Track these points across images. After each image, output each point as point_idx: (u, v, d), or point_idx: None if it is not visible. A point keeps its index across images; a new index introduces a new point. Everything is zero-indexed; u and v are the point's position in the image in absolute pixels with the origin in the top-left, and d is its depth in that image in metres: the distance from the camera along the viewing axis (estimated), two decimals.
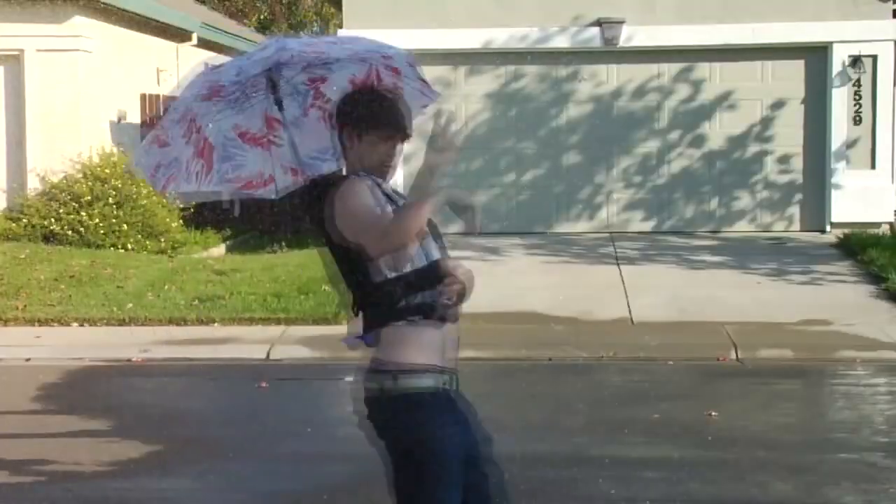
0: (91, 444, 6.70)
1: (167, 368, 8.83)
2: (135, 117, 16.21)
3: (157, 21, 16.71)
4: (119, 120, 15.66)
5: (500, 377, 8.13)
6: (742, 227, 14.65)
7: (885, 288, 10.86)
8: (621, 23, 14.28)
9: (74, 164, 14.07)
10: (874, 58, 14.17)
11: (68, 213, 13.60)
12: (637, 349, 9.05)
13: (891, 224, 14.09)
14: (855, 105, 14.21)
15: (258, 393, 7.96)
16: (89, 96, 14.68)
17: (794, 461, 6.16)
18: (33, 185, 14.24)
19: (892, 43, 14.17)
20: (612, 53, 14.62)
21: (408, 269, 3.32)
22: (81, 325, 10.11)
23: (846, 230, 13.66)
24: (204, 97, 3.58)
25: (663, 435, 6.66)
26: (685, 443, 6.52)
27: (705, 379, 8.33)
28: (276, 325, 9.94)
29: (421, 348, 3.34)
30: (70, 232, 13.52)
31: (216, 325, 10.02)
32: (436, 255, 3.36)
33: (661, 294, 10.84)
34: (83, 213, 13.54)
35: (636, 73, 14.71)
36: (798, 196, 14.65)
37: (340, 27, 15.08)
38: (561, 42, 14.46)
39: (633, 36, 14.34)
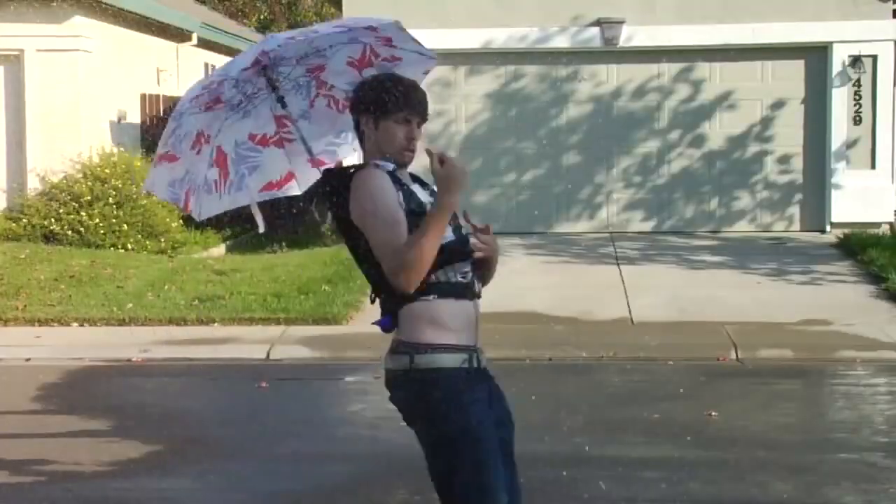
0: (91, 444, 6.70)
1: (167, 368, 8.83)
2: (135, 117, 16.22)
3: (157, 21, 16.71)
4: (119, 120, 15.66)
5: (500, 377, 8.09)
6: (742, 227, 14.65)
7: (885, 288, 10.86)
8: (621, 23, 14.28)
9: (74, 164, 14.07)
10: (874, 58, 14.18)
11: (68, 213, 13.60)
12: (637, 349, 9.05)
13: (891, 224, 14.09)
14: (855, 105, 14.21)
15: (258, 393, 7.96)
16: (89, 96, 14.68)
17: (794, 461, 6.16)
18: (33, 185, 14.24)
19: (892, 43, 14.17)
20: (612, 53, 14.62)
21: None
22: (81, 325, 10.11)
23: (846, 230, 13.66)
24: (206, 107, 3.58)
25: (663, 435, 6.66)
26: (685, 443, 6.51)
27: (705, 379, 8.33)
28: (276, 325, 9.94)
29: (437, 327, 3.33)
30: (70, 232, 13.52)
31: (216, 325, 10.02)
32: (450, 235, 3.34)
33: (661, 294, 10.84)
34: (83, 213, 13.54)
35: (636, 73, 14.71)
36: (798, 196, 14.66)
37: None
38: (561, 42, 14.46)
39: (633, 36, 14.35)
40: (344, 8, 14.62)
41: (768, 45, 14.32)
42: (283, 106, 3.62)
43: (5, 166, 14.61)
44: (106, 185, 13.73)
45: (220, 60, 20.43)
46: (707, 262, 12.59)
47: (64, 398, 8.04)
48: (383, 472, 6.01)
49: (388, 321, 3.41)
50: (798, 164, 14.63)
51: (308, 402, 7.93)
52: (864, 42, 14.10)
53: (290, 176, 3.78)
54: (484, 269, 3.46)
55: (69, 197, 13.71)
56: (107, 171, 13.88)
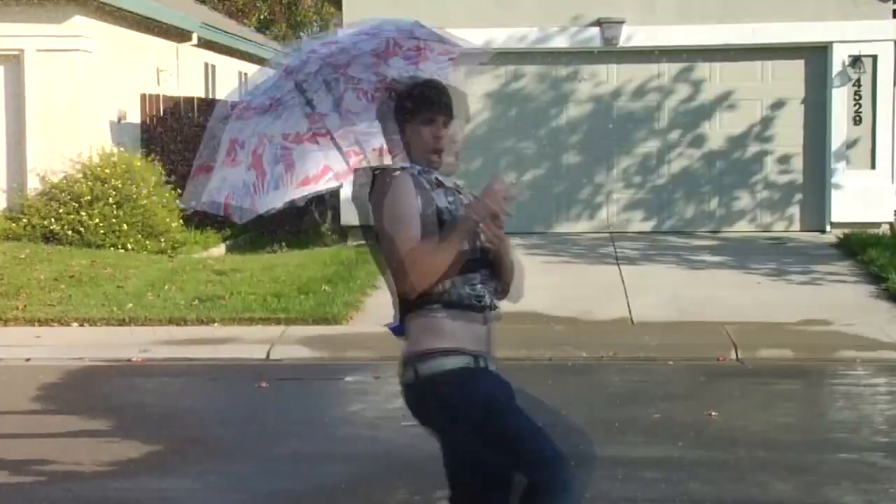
0: (91, 444, 6.69)
1: (167, 368, 8.83)
2: (135, 117, 16.22)
3: (157, 21, 16.72)
4: (119, 120, 15.66)
5: None
6: (742, 227, 14.66)
7: (885, 288, 10.86)
8: (621, 23, 14.28)
9: (74, 164, 14.07)
10: (874, 58, 14.18)
11: (68, 213, 13.60)
12: (637, 349, 9.05)
13: (891, 224, 14.10)
14: (855, 105, 14.22)
15: (258, 393, 7.96)
16: (89, 96, 14.68)
17: (794, 461, 6.16)
18: (33, 185, 14.24)
19: (892, 43, 14.17)
20: (612, 53, 14.62)
21: None
22: (81, 325, 10.11)
23: (846, 230, 13.66)
24: (237, 116, 3.60)
25: (663, 435, 6.66)
26: (685, 443, 6.51)
27: (705, 379, 8.33)
28: (276, 325, 9.93)
29: (441, 335, 3.34)
30: (70, 232, 13.53)
31: (216, 325, 10.02)
32: (464, 246, 3.34)
33: (661, 294, 10.84)
34: (83, 213, 13.54)
35: (636, 73, 14.71)
36: (798, 196, 14.66)
37: (340, 27, 15.09)
38: (561, 42, 14.46)
39: (633, 36, 14.35)
40: (344, 8, 14.63)
41: (768, 45, 14.32)
42: (313, 108, 3.65)
43: (5, 166, 14.62)
44: (106, 185, 13.73)
45: (220, 60, 20.45)
46: (707, 262, 12.60)
47: (64, 398, 8.03)
48: (383, 472, 6.01)
49: (400, 327, 3.43)
50: (798, 164, 14.63)
51: (308, 402, 7.93)
52: (864, 42, 14.10)
53: (326, 170, 3.80)
54: (498, 270, 3.45)
55: (69, 197, 13.71)
56: (107, 171, 13.88)
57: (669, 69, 14.69)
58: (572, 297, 10.65)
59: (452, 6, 14.31)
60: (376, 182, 3.40)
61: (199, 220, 15.60)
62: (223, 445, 6.62)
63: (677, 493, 5.60)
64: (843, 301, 10.57)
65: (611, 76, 14.79)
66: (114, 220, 13.63)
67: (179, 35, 17.89)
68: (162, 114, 16.48)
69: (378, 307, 10.58)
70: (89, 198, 13.63)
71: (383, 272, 3.46)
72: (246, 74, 22.14)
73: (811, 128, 14.52)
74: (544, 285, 11.15)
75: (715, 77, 14.69)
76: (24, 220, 13.68)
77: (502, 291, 3.51)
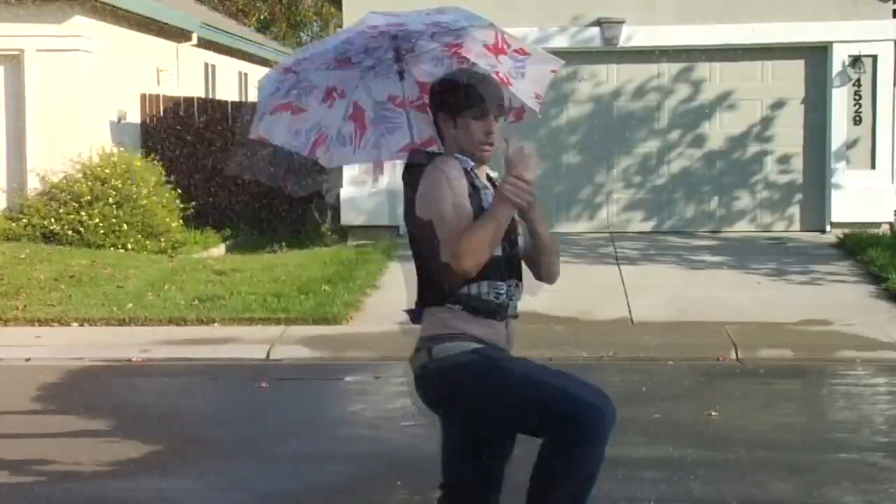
0: (91, 444, 6.69)
1: (167, 368, 8.83)
2: (135, 117, 16.23)
3: (157, 21, 16.72)
4: (119, 120, 15.67)
5: None
6: (742, 227, 14.66)
7: (885, 288, 10.87)
8: (621, 23, 14.29)
9: (74, 164, 14.08)
10: (874, 58, 14.18)
11: (68, 213, 13.60)
12: (637, 349, 9.05)
13: (891, 224, 14.10)
14: (855, 105, 14.22)
15: (258, 393, 7.96)
16: (89, 96, 14.68)
17: (794, 461, 6.16)
18: (33, 185, 14.25)
19: (892, 43, 14.18)
20: (612, 53, 14.63)
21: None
22: (81, 325, 10.11)
23: (846, 230, 13.67)
24: (338, 65, 3.60)
25: (663, 435, 6.66)
26: (685, 443, 6.51)
27: (705, 379, 8.33)
28: (276, 325, 9.93)
29: (458, 328, 3.38)
30: (70, 232, 13.53)
31: (216, 325, 10.02)
32: (497, 251, 3.35)
33: (661, 294, 10.84)
34: (83, 213, 13.55)
35: (636, 73, 14.71)
36: (798, 196, 14.66)
37: (340, 27, 15.09)
38: (560, 42, 14.46)
39: (633, 36, 14.35)
40: (344, 8, 14.63)
41: (768, 45, 14.32)
42: (401, 79, 3.63)
43: (5, 166, 14.62)
44: (106, 185, 13.74)
45: (219, 60, 20.45)
46: (707, 262, 12.60)
47: (64, 398, 8.03)
48: (383, 472, 6.00)
49: (418, 312, 3.48)
50: (798, 164, 14.64)
51: (308, 402, 7.93)
52: (864, 42, 14.10)
53: (431, 140, 3.79)
54: (535, 246, 3.44)
55: (69, 197, 13.72)
56: (107, 171, 13.89)
57: (669, 69, 14.70)
58: (572, 297, 10.64)
59: (452, 6, 14.29)
60: (429, 165, 3.39)
61: (200, 221, 15.61)
62: (223, 445, 6.62)
63: (677, 493, 5.60)
64: (843, 301, 10.57)
65: (611, 76, 14.79)
66: (114, 220, 13.63)
67: (179, 35, 17.89)
68: (162, 114, 16.49)
69: (378, 307, 10.59)
70: (89, 198, 13.63)
71: (413, 250, 3.48)
72: (246, 74, 22.15)
73: (811, 128, 14.53)
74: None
75: (715, 77, 14.69)
76: (24, 220, 13.69)
77: (541, 274, 3.54)
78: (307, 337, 9.56)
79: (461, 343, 3.37)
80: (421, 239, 3.43)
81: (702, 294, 10.86)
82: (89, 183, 13.75)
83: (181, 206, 14.80)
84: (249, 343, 9.41)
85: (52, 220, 13.59)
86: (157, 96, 16.57)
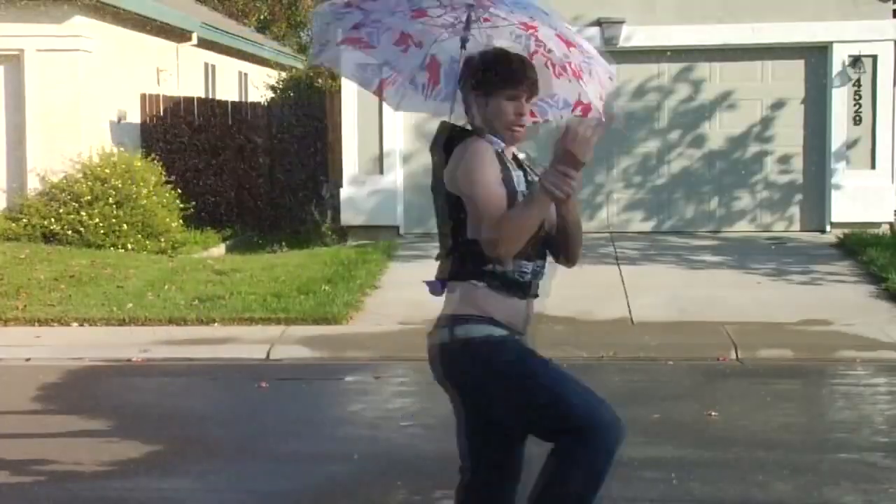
0: (91, 444, 6.69)
1: (167, 368, 8.83)
2: (135, 117, 16.23)
3: (157, 21, 16.73)
4: (119, 120, 15.67)
5: None
6: (742, 227, 14.66)
7: (885, 288, 10.86)
8: (621, 23, 14.28)
9: (74, 164, 14.08)
10: (874, 58, 14.17)
11: (68, 213, 13.61)
12: (637, 349, 9.05)
13: (891, 224, 14.10)
14: (855, 105, 14.21)
15: (258, 393, 7.96)
16: (89, 96, 14.69)
17: (794, 461, 6.16)
18: (33, 185, 14.25)
19: (892, 43, 14.17)
20: (612, 53, 14.50)
21: None
22: (81, 325, 10.11)
23: (846, 230, 13.67)
24: (412, 16, 3.59)
25: (663, 435, 6.66)
26: (685, 443, 6.52)
27: (705, 379, 8.33)
28: (276, 325, 9.93)
29: (481, 309, 3.37)
30: (70, 232, 13.53)
31: (216, 325, 10.02)
32: (549, 207, 3.33)
33: (661, 294, 10.84)
34: (83, 213, 13.55)
35: (636, 73, 14.71)
36: (798, 196, 14.66)
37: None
38: None
39: (633, 36, 14.34)
40: None
41: (768, 45, 14.32)
42: (463, 47, 3.60)
43: (5, 166, 14.62)
44: (106, 185, 13.74)
45: (219, 60, 20.46)
46: (707, 262, 12.59)
47: (64, 398, 8.03)
48: (383, 472, 6.00)
49: (440, 286, 3.43)
50: (798, 164, 14.63)
51: (308, 402, 7.92)
52: (864, 42, 14.10)
53: None
54: (565, 232, 3.43)
55: (69, 197, 13.72)
56: (107, 171, 13.90)
57: (669, 69, 14.70)
58: (572, 297, 10.64)
59: None
60: (461, 144, 3.37)
61: (200, 220, 15.61)
62: (223, 445, 6.62)
63: (677, 493, 5.61)
64: (843, 301, 10.57)
65: None
66: (114, 220, 13.63)
67: (179, 35, 17.90)
68: (162, 114, 16.49)
69: (378, 307, 10.59)
70: (89, 198, 13.64)
71: (443, 225, 3.45)
72: (246, 74, 22.15)
73: (811, 128, 14.52)
74: None
75: (715, 77, 14.69)
76: (24, 220, 13.69)
77: (566, 255, 3.53)
78: (307, 337, 9.56)
79: (485, 327, 3.36)
80: (444, 210, 3.41)
81: (702, 294, 10.86)
82: (89, 183, 13.76)
83: (181, 206, 14.81)
84: (249, 343, 9.41)
85: (52, 220, 13.59)
86: (157, 96, 16.58)
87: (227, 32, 21.13)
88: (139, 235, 13.82)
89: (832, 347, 9.06)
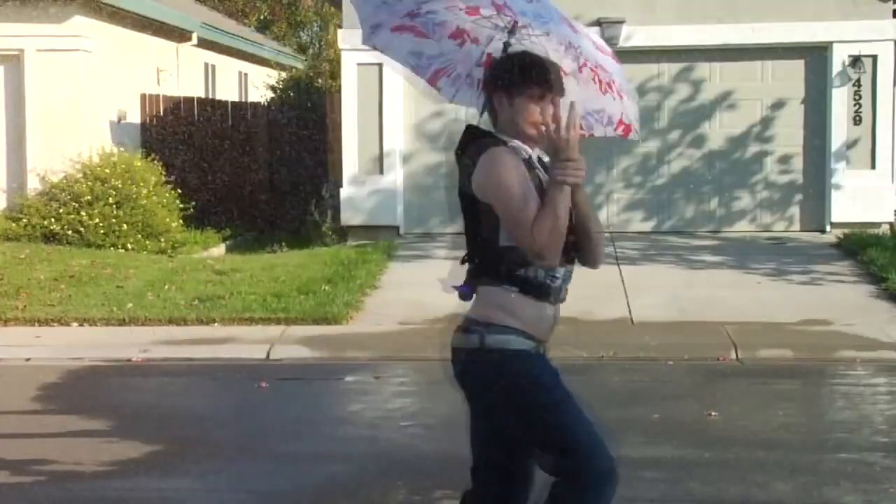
0: (91, 444, 6.69)
1: (167, 368, 8.83)
2: (135, 117, 16.23)
3: (157, 21, 16.73)
4: (119, 120, 15.67)
5: None
6: (742, 227, 14.65)
7: (885, 288, 10.86)
8: (621, 22, 14.28)
9: (74, 164, 14.08)
10: (874, 58, 14.17)
11: (68, 213, 13.61)
12: (637, 349, 9.05)
13: (891, 224, 14.09)
14: (855, 105, 14.21)
15: (258, 393, 7.96)
16: (89, 96, 14.69)
17: (794, 461, 6.16)
18: (33, 185, 14.25)
19: (892, 43, 14.17)
20: None
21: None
22: (81, 325, 10.11)
23: (846, 230, 13.66)
24: (467, 11, 3.61)
25: (663, 435, 6.66)
26: (685, 443, 6.52)
27: (705, 379, 8.33)
28: (276, 325, 9.93)
29: (513, 315, 3.38)
30: (70, 232, 13.53)
31: (216, 325, 10.02)
32: (566, 201, 3.34)
33: (661, 294, 10.84)
34: (83, 213, 13.55)
35: (636, 73, 14.68)
36: (798, 196, 14.66)
37: (340, 27, 15.09)
38: None
39: (633, 35, 14.34)
40: (344, 8, 14.62)
41: (768, 45, 14.31)
42: (504, 51, 3.61)
43: (5, 166, 14.63)
44: (106, 185, 13.74)
45: (219, 60, 20.46)
46: (707, 262, 12.59)
47: (64, 398, 8.03)
48: (383, 472, 6.01)
49: (469, 290, 3.45)
50: (798, 164, 14.63)
51: (308, 402, 7.93)
52: (864, 42, 14.10)
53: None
54: (583, 230, 3.44)
55: (69, 197, 13.72)
56: (107, 171, 13.90)
57: (669, 69, 14.69)
58: (572, 297, 10.57)
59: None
60: (485, 152, 3.37)
61: (200, 220, 15.61)
62: (223, 445, 6.62)
63: (677, 493, 5.61)
64: (843, 301, 10.57)
65: None
66: (114, 220, 13.63)
67: (179, 35, 17.90)
68: (162, 114, 16.49)
69: (378, 307, 10.59)
70: (89, 198, 13.64)
71: (471, 230, 3.45)
72: (246, 74, 22.15)
73: (811, 128, 14.52)
74: None
75: (715, 77, 14.69)
76: (24, 220, 13.69)
77: (589, 258, 3.56)
78: (307, 337, 9.56)
79: (516, 339, 3.38)
80: (472, 216, 3.42)
81: (702, 294, 10.86)
82: (89, 183, 13.76)
83: (181, 206, 14.81)
84: (249, 343, 9.41)
85: (52, 220, 13.59)
86: (157, 96, 16.58)
87: (227, 32, 21.14)
88: (139, 235, 13.82)
89: (832, 347, 9.06)
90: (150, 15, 16.32)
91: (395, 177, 14.51)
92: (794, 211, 14.67)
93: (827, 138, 14.35)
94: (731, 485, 5.72)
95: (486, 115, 3.61)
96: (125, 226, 13.68)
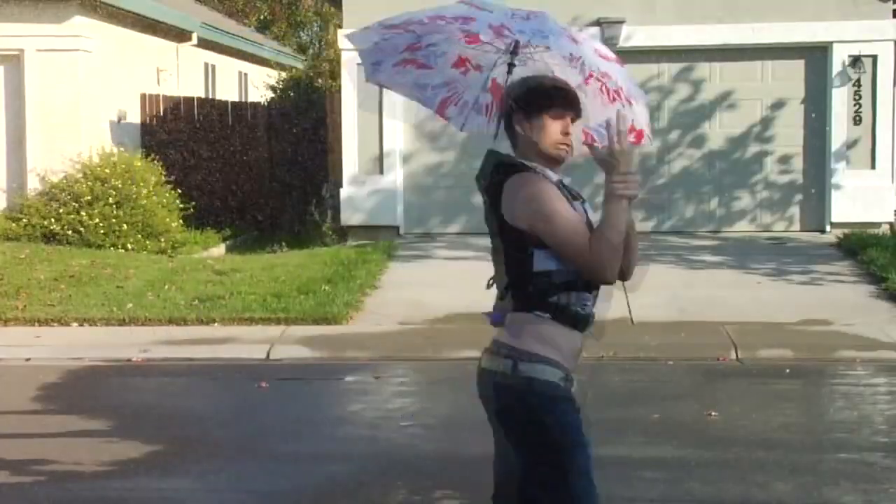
0: (91, 444, 6.69)
1: (167, 368, 8.83)
2: (135, 117, 16.23)
3: (157, 21, 16.73)
4: (119, 120, 15.67)
5: None
6: (742, 227, 14.66)
7: (885, 288, 10.86)
8: (621, 22, 14.28)
9: (74, 164, 14.08)
10: (874, 58, 14.17)
11: (68, 213, 13.61)
12: (637, 349, 9.04)
13: (891, 224, 14.10)
14: (855, 105, 14.21)
15: (258, 393, 7.96)
16: (89, 96, 14.68)
17: (794, 461, 6.16)
18: (33, 185, 14.25)
19: (892, 43, 14.17)
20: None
21: (554, 267, 3.33)
22: (81, 325, 10.11)
23: (846, 230, 13.66)
24: (467, 40, 3.62)
25: (663, 435, 6.66)
26: (685, 443, 6.52)
27: (705, 379, 8.33)
28: (276, 325, 9.93)
29: (547, 343, 3.36)
30: (70, 232, 13.53)
31: (216, 325, 10.02)
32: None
33: (661, 294, 10.83)
34: (83, 213, 13.55)
35: (636, 73, 14.53)
36: (798, 196, 14.66)
37: (340, 27, 15.09)
38: None
39: (633, 35, 14.34)
40: (344, 8, 14.63)
41: (768, 45, 14.32)
42: (509, 72, 3.62)
43: (5, 166, 14.62)
44: (106, 185, 13.74)
45: (219, 60, 20.46)
46: (707, 262, 12.59)
47: (64, 398, 8.03)
48: (383, 472, 6.01)
49: (500, 317, 3.43)
50: (798, 164, 14.63)
51: (308, 402, 7.93)
52: (864, 42, 14.10)
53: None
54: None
55: (69, 197, 13.72)
56: (107, 171, 13.90)
57: (669, 69, 14.70)
58: None
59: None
60: (513, 178, 3.36)
61: (200, 220, 15.61)
62: (223, 445, 6.62)
63: (677, 493, 5.61)
64: (843, 301, 10.56)
65: None
66: (114, 220, 13.63)
67: (179, 35, 17.90)
68: (162, 114, 16.49)
69: (378, 307, 10.59)
70: (89, 198, 13.64)
71: (500, 257, 3.44)
72: (246, 74, 22.16)
73: (811, 128, 14.52)
74: None
75: (715, 77, 14.69)
76: (24, 220, 13.69)
77: (628, 272, 3.51)
78: (307, 337, 9.56)
79: (547, 369, 3.35)
80: (503, 242, 3.40)
81: (702, 294, 10.86)
82: (89, 183, 13.76)
83: (181, 206, 14.81)
84: (249, 343, 9.41)
85: (52, 220, 13.59)
86: (157, 96, 16.58)
87: (227, 32, 21.13)
88: (139, 235, 13.82)
89: (832, 347, 9.06)
90: (150, 15, 16.32)
91: (395, 177, 14.52)
92: (794, 211, 14.68)
93: (827, 138, 14.36)
94: (731, 485, 5.72)
95: (499, 137, 3.61)
96: (125, 226, 13.68)
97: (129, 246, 13.62)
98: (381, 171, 14.48)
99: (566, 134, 3.44)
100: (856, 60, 14.09)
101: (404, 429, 7.00)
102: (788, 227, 14.64)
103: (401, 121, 14.24)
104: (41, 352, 9.24)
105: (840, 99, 14.25)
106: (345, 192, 14.55)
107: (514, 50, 3.62)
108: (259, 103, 17.75)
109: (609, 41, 14.32)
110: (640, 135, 3.86)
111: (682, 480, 5.77)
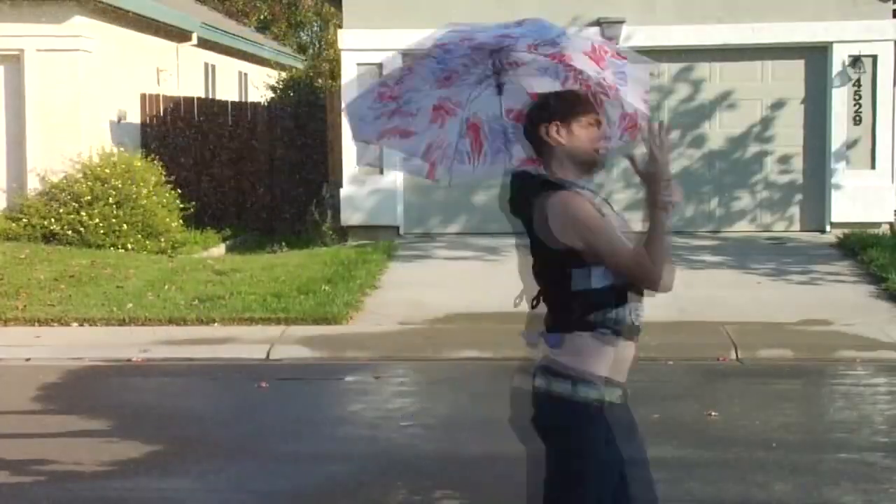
0: (91, 444, 6.70)
1: (167, 368, 8.83)
2: (135, 117, 16.23)
3: (157, 21, 16.73)
4: (119, 120, 15.67)
5: (500, 377, 8.10)
6: (742, 227, 14.65)
7: (885, 288, 10.86)
8: (621, 22, 14.28)
9: (74, 164, 14.08)
10: (874, 58, 14.17)
11: (68, 213, 13.61)
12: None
13: (891, 224, 14.09)
14: (855, 105, 14.21)
15: (258, 393, 7.96)
16: (89, 96, 14.69)
17: (794, 461, 6.16)
18: (33, 185, 14.25)
19: (892, 43, 14.17)
20: None
21: (610, 282, 3.35)
22: (81, 325, 10.11)
23: (846, 230, 13.66)
24: (441, 84, 3.65)
25: (663, 435, 6.66)
26: (685, 443, 6.52)
27: (705, 379, 8.33)
28: (276, 325, 9.93)
29: (600, 361, 3.37)
30: (70, 232, 13.53)
31: (216, 325, 10.02)
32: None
33: (661, 294, 10.82)
34: (83, 213, 13.55)
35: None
36: (798, 196, 14.66)
37: (340, 27, 15.09)
38: None
39: (633, 36, 14.34)
40: (344, 8, 14.63)
41: (768, 45, 14.31)
42: (500, 92, 3.65)
43: (5, 166, 14.63)
44: (106, 185, 13.74)
45: (219, 60, 20.45)
46: (707, 262, 12.59)
47: (64, 398, 8.03)
48: (383, 472, 6.01)
49: (558, 339, 3.41)
50: (798, 164, 14.63)
51: (308, 402, 7.93)
52: (864, 42, 14.10)
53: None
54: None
55: (69, 197, 13.72)
56: (107, 171, 13.90)
57: (669, 69, 14.69)
58: None
59: (453, 6, 14.30)
60: (551, 198, 3.36)
61: (200, 221, 15.62)
62: (223, 445, 6.62)
63: (677, 493, 5.60)
64: (843, 301, 10.56)
65: None
66: (114, 220, 13.64)
67: (179, 35, 17.90)
68: (162, 114, 16.50)
69: (378, 307, 10.59)
70: (89, 198, 13.64)
71: (525, 274, 3.47)
72: (246, 74, 22.16)
73: (811, 128, 14.52)
74: None
75: (715, 77, 14.69)
76: (24, 220, 13.69)
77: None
78: (307, 337, 9.56)
79: (608, 389, 3.37)
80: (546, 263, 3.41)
81: (702, 294, 10.85)
82: (89, 183, 13.76)
83: (181, 206, 14.81)
84: (249, 343, 9.41)
85: (52, 220, 13.59)
86: (157, 96, 16.58)
87: (227, 32, 21.13)
88: (139, 235, 13.82)
89: (832, 347, 9.06)
90: (150, 15, 16.32)
91: (395, 177, 14.51)
92: (794, 211, 14.67)
93: (827, 138, 14.36)
94: (731, 485, 5.72)
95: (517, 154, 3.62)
96: (125, 226, 13.68)
97: (129, 246, 13.63)
98: (381, 171, 14.48)
99: (601, 139, 3.52)
100: (856, 60, 14.09)
101: (404, 429, 7.00)
102: (788, 227, 14.64)
103: None
104: (41, 352, 9.24)
105: (840, 99, 14.25)
106: (345, 191, 14.55)
107: (499, 71, 3.65)
108: (259, 103, 17.75)
109: (609, 41, 14.31)
110: (633, 118, 3.84)
111: (682, 480, 5.77)
